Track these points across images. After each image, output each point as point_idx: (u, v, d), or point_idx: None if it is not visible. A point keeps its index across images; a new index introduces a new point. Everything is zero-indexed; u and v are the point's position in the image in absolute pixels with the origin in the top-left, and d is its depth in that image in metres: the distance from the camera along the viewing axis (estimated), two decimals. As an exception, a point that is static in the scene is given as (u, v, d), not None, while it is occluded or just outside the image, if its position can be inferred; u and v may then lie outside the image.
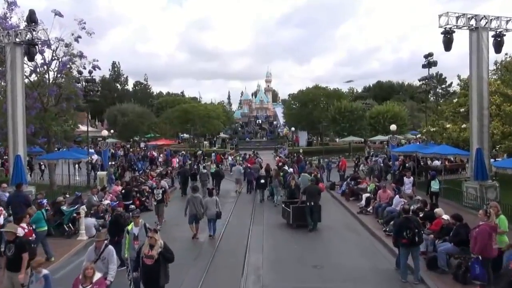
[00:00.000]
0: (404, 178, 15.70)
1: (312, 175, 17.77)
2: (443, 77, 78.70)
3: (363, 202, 16.42)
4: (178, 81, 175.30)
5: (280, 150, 35.44)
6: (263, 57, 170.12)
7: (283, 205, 14.60)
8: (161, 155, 31.08)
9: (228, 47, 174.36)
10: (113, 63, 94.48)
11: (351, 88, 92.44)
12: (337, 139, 64.95)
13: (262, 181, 18.28)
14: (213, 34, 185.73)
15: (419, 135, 24.94)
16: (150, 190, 18.94)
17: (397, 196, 13.95)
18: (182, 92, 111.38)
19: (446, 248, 9.30)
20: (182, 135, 57.84)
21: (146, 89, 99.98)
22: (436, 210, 10.97)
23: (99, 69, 20.55)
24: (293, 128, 42.25)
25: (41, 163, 23.23)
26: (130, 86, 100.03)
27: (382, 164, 20.89)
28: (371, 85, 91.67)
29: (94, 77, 21.49)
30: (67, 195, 15.28)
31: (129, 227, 8.03)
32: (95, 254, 6.74)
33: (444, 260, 9.08)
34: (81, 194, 14.90)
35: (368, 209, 15.57)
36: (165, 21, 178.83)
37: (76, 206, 13.47)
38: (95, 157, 23.68)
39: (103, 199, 15.57)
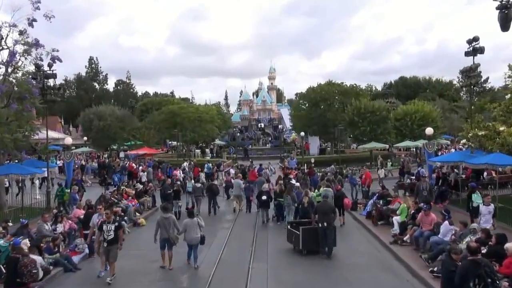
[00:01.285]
0: (480, 206, 13.68)
1: (328, 186, 17.29)
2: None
3: (396, 228, 14.81)
4: (168, 80, 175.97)
5: (288, 159, 33.99)
6: (266, 51, 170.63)
7: (288, 227, 13.92)
8: (140, 168, 29.58)
9: (226, 40, 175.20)
10: (90, 59, 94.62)
11: (370, 85, 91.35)
12: (355, 145, 64.06)
13: (264, 197, 17.49)
14: (208, 25, 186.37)
15: (463, 141, 23.09)
16: (123, 214, 17.65)
17: (446, 222, 12.09)
18: (171, 92, 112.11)
19: (530, 304, 7.46)
20: (170, 143, 56.45)
21: (129, 88, 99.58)
22: (508, 245, 9.10)
23: (60, 61, 18.78)
24: (302, 133, 40.80)
25: (6, 179, 21.72)
26: (111, 86, 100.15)
27: (426, 178, 18.62)
28: (392, 82, 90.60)
29: (54, 72, 19.78)
30: (10, 223, 13.47)
31: None
32: None
33: (529, 322, 7.25)
34: (28, 221, 13.06)
35: (405, 238, 13.79)
36: (154, 10, 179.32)
37: (19, 239, 11.63)
38: (52, 171, 21.99)
39: (57, 227, 13.83)
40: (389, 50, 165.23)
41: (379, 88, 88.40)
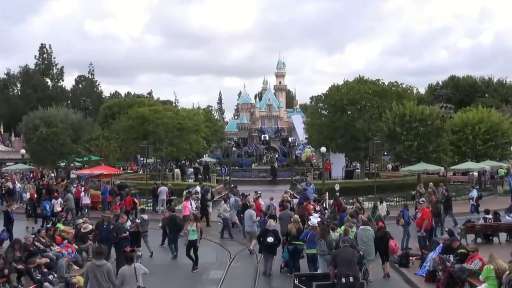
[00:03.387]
0: None
1: (366, 223, 17.26)
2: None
3: (481, 305, 13.00)
4: (147, 77, 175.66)
5: (302, 184, 32.69)
6: (274, 43, 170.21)
7: (296, 281, 13.77)
8: (86, 195, 28.02)
9: (222, 28, 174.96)
10: (42, 47, 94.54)
11: (410, 86, 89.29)
12: (390, 166, 61.54)
13: (271, 239, 16.99)
14: (199, 8, 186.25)
15: None
16: (46, 270, 15.53)
17: None
18: (149, 93, 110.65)
19: None
20: (141, 159, 54.93)
21: (92, 87, 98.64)
22: None
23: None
24: (323, 148, 38.36)
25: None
26: (69, 83, 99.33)
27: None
28: (440, 83, 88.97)
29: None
30: None
31: None
32: None
33: None
34: None
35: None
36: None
37: None
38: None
39: None
40: (432, 44, 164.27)
41: (422, 91, 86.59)
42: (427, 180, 36.78)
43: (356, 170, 49.37)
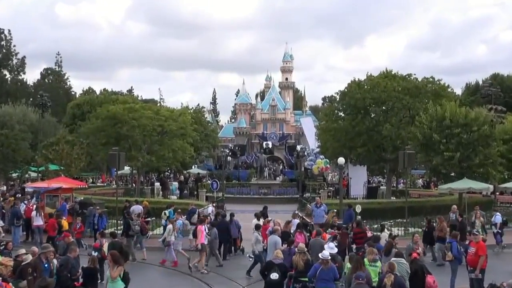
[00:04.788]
0: None
1: (400, 255, 17.08)
2: None
3: None
4: (128, 72, 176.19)
5: (312, 205, 31.65)
6: (280, 33, 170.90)
7: None
8: (38, 214, 26.93)
9: (218, 15, 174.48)
10: None
11: (442, 83, 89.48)
12: (420, 182, 60.51)
13: (275, 276, 16.38)
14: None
15: None
16: None
17: None
18: (130, 90, 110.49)
19: None
20: (114, 170, 54.71)
21: (59, 81, 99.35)
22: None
23: None
24: (341, 159, 37.11)
25: None
26: (35, 77, 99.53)
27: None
28: (480, 82, 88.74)
29: None
30: None
31: None
32: None
33: None
34: None
35: None
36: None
37: None
38: None
39: None
40: (469, 37, 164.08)
41: (458, 92, 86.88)
42: (469, 201, 35.88)
43: (381, 187, 49.20)
